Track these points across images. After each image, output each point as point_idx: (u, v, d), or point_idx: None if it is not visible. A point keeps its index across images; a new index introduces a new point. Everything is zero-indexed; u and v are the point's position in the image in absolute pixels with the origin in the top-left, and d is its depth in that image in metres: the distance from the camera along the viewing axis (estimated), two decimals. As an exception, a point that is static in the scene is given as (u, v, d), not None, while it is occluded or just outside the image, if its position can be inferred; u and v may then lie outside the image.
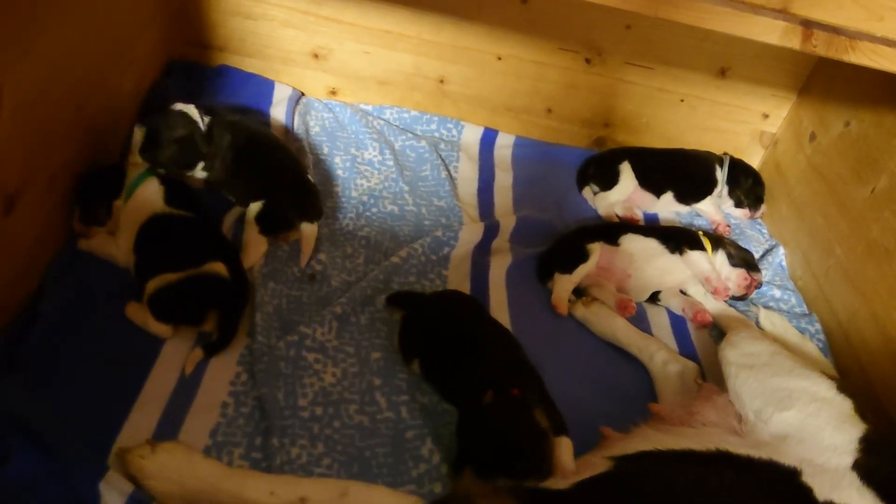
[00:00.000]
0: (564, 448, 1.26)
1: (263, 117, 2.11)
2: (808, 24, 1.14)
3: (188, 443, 1.30)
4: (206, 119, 1.75)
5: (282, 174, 1.79)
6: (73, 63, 1.53)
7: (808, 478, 1.19)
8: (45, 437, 1.21)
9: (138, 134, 1.67)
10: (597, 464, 1.20)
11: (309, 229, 1.75)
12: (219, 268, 1.51)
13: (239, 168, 1.77)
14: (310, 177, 1.87)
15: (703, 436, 1.31)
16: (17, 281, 1.43)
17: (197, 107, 1.75)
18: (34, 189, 1.43)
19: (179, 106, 1.73)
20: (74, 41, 1.52)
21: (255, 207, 1.72)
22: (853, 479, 1.22)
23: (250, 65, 2.22)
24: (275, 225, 1.73)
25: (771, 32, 1.16)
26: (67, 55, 1.49)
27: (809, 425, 1.32)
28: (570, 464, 1.23)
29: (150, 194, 1.61)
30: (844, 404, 1.38)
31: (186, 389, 1.40)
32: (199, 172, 1.77)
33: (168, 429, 1.32)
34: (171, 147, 1.68)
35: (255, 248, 1.69)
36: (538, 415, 1.29)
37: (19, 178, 1.37)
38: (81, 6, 1.52)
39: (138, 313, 1.48)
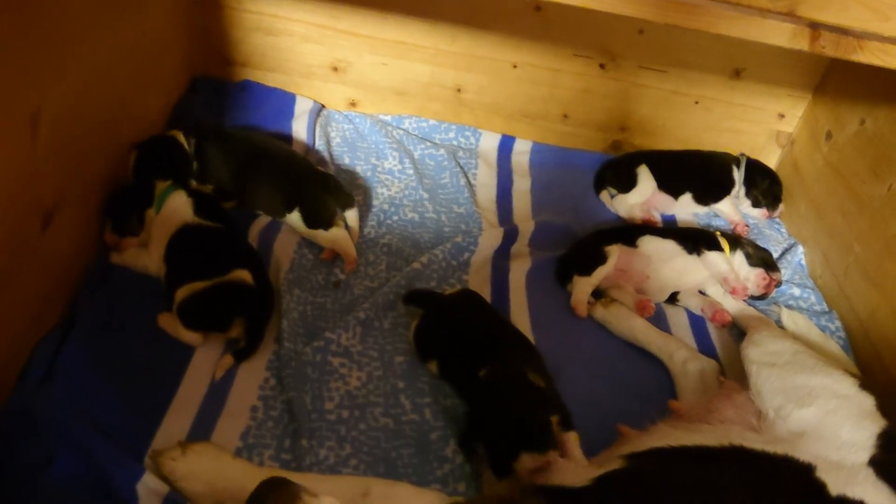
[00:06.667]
0: (573, 441, 1.32)
1: (285, 130, 2.16)
2: (815, 26, 1.16)
3: (220, 445, 1.34)
4: (192, 140, 1.82)
5: (299, 174, 1.85)
6: (104, 83, 1.59)
7: (823, 473, 1.20)
8: (83, 441, 1.26)
9: (131, 157, 1.74)
10: (611, 461, 1.23)
11: (350, 214, 1.83)
12: (244, 275, 1.56)
13: (248, 177, 1.84)
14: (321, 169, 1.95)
15: (719, 432, 1.32)
16: (54, 293, 1.49)
17: (185, 130, 1.84)
18: (69, 205, 1.50)
19: (171, 132, 1.83)
20: (104, 63, 1.58)
21: (296, 218, 1.79)
22: (868, 474, 1.22)
23: (272, 79, 2.28)
24: (323, 219, 1.79)
25: (780, 35, 1.18)
26: (98, 76, 1.55)
27: (828, 422, 1.32)
28: (580, 455, 1.29)
29: (179, 205, 1.67)
30: (866, 401, 1.38)
31: (217, 394, 1.45)
32: (202, 188, 1.83)
33: (201, 432, 1.37)
34: (159, 166, 1.74)
35: (344, 241, 1.79)
36: (531, 375, 1.35)
37: (55, 195, 1.43)
38: (110, 30, 1.59)
39: (170, 323, 1.53)
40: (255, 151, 1.86)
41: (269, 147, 1.91)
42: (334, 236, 1.79)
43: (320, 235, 1.79)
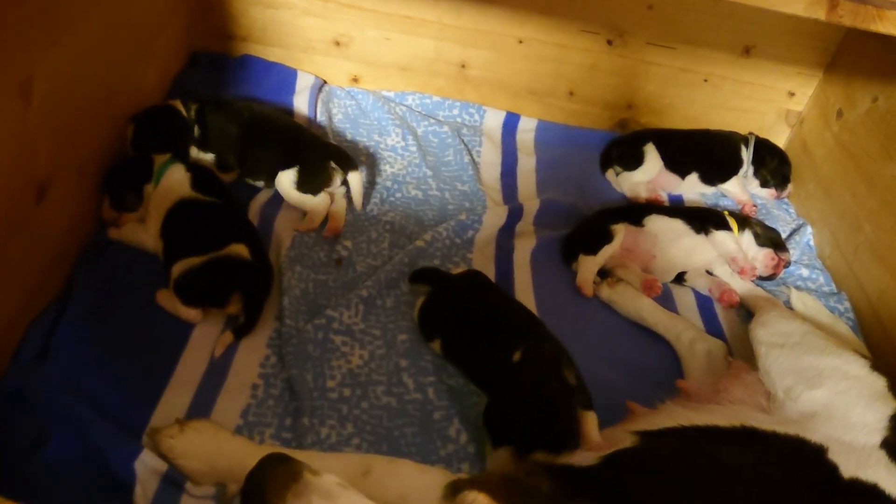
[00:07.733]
0: (590, 422, 1.28)
1: (287, 106, 2.12)
2: (834, -6, 1.12)
3: (220, 423, 1.32)
4: (194, 106, 1.80)
5: (301, 139, 1.84)
6: (99, 55, 1.55)
7: (835, 455, 1.18)
8: (80, 419, 1.24)
9: (129, 129, 1.71)
10: (622, 438, 1.21)
11: (354, 177, 1.81)
12: (241, 250, 1.53)
13: (250, 143, 1.81)
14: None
15: (729, 412, 1.30)
16: (50, 269, 1.46)
17: (183, 99, 1.81)
18: (64, 178, 1.46)
19: (170, 102, 1.80)
20: (100, 34, 1.54)
21: (288, 176, 1.77)
22: (881, 456, 1.20)
23: (272, 54, 2.24)
24: (316, 183, 1.77)
25: (796, 4, 1.14)
26: (93, 47, 1.52)
27: (839, 403, 1.30)
28: (596, 437, 1.25)
29: (176, 180, 1.64)
30: (877, 382, 1.36)
31: (217, 372, 1.42)
32: (204, 156, 1.81)
33: (200, 410, 1.35)
34: (157, 138, 1.71)
35: (315, 207, 1.77)
36: (567, 373, 1.30)
37: (49, 167, 1.40)
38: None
39: (168, 299, 1.50)
40: (259, 118, 1.84)
41: (272, 114, 1.89)
42: (320, 203, 1.78)
43: (307, 201, 1.78)
